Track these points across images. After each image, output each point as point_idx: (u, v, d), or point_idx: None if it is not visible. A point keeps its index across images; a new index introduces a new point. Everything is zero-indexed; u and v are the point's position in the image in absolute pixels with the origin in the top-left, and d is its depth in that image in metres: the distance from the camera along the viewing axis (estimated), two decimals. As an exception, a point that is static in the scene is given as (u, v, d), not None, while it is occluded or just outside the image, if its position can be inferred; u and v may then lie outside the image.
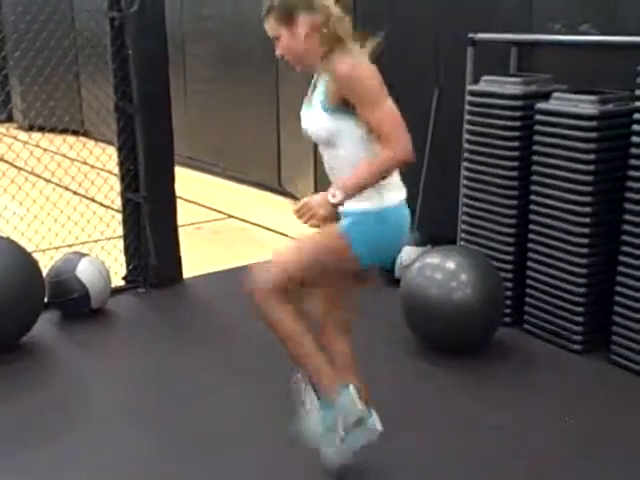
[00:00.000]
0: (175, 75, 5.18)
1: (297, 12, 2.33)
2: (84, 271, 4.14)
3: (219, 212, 6.49)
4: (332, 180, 2.50)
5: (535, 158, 3.74)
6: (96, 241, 4.90)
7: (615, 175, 3.52)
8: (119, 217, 4.70)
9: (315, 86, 2.45)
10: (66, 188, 5.43)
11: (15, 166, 5.26)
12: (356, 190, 2.33)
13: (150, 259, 4.59)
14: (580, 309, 3.67)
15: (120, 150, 4.52)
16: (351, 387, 2.52)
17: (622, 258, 3.48)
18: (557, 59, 4.18)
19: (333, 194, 2.31)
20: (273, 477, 2.86)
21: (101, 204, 5.34)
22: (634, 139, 3.35)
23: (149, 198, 4.51)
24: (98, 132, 5.72)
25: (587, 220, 3.57)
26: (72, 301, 4.12)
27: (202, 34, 7.75)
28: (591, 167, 3.51)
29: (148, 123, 4.43)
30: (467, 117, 4.10)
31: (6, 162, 5.43)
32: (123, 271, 4.68)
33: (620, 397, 3.37)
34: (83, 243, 4.84)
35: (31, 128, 6.09)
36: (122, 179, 4.58)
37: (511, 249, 3.96)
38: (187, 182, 6.29)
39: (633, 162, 3.37)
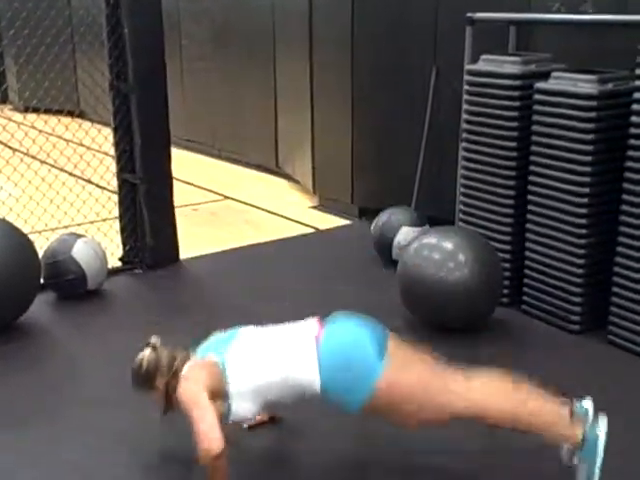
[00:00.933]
0: (171, 54, 5.14)
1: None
2: (80, 252, 4.12)
3: (216, 193, 6.47)
4: None
5: (534, 138, 3.72)
6: (92, 222, 4.88)
7: (614, 155, 3.50)
8: (115, 198, 4.68)
9: None
10: (62, 169, 5.40)
11: (10, 147, 5.22)
12: None
13: (147, 240, 4.57)
14: (578, 289, 3.66)
15: (116, 130, 4.49)
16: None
17: (620, 238, 3.47)
18: (556, 38, 4.15)
19: None
20: (272, 460, 2.86)
21: (97, 185, 5.32)
22: (633, 119, 3.33)
23: (145, 179, 4.49)
24: (94, 113, 5.67)
25: (585, 200, 3.55)
26: (68, 282, 4.10)
27: (199, 12, 7.68)
28: (590, 147, 3.49)
29: (144, 102, 4.40)
30: (465, 97, 4.07)
31: (1, 143, 5.39)
32: (119, 252, 4.66)
33: (618, 377, 3.37)
34: (79, 224, 4.82)
35: (26, 109, 6.04)
36: (118, 160, 4.55)
37: (509, 229, 3.95)
38: (184, 163, 6.26)
39: (632, 142, 3.35)
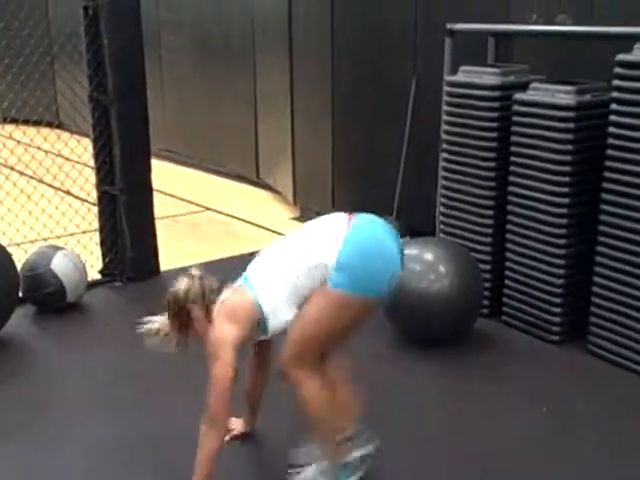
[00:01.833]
0: (151, 66, 5.12)
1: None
2: (59, 265, 4.08)
3: (197, 205, 6.45)
4: None
5: (513, 149, 3.74)
6: (72, 234, 4.84)
7: (592, 166, 3.52)
8: (95, 210, 4.65)
9: None
10: (40, 180, 5.36)
11: (-12, 158, 5.17)
12: None
13: (127, 252, 4.54)
14: (558, 300, 3.68)
15: (95, 142, 4.47)
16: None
17: (599, 248, 3.49)
18: (534, 49, 4.18)
19: None
20: (256, 468, 2.84)
21: (77, 197, 5.28)
22: (611, 129, 3.36)
23: (125, 190, 4.46)
24: (73, 124, 5.64)
25: (565, 211, 3.57)
26: (47, 295, 4.07)
27: (179, 24, 7.67)
28: (568, 157, 3.51)
29: (124, 114, 4.38)
30: (445, 108, 4.08)
31: (-21, 154, 5.35)
32: (99, 264, 4.62)
33: (597, 386, 3.38)
34: (58, 236, 4.78)
35: (5, 120, 5.99)
36: (98, 171, 4.52)
37: (489, 240, 3.96)
38: (164, 175, 6.24)
39: (610, 152, 3.38)
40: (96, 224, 4.63)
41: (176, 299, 2.57)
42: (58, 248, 4.23)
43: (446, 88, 4.08)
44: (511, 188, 3.79)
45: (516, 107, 3.69)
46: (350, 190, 5.55)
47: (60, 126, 6.59)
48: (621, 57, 3.29)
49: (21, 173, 5.32)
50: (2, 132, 5.49)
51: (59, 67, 8.65)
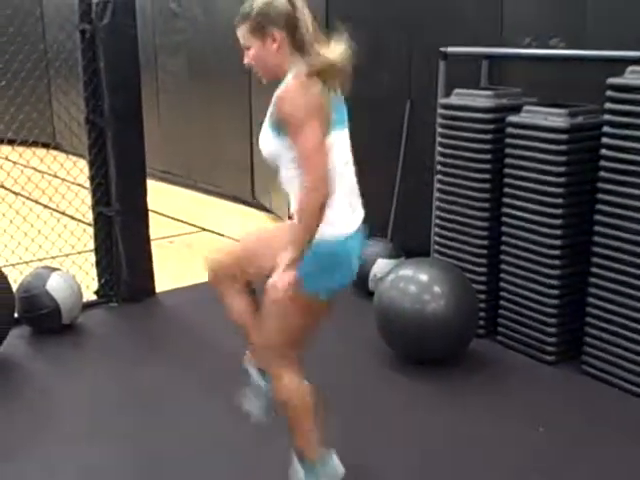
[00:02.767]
0: (147, 88, 5.15)
1: (272, 27, 2.29)
2: (55, 286, 4.09)
3: (192, 225, 6.46)
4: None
5: (507, 170, 3.77)
6: (67, 255, 4.85)
7: (585, 187, 3.55)
8: (90, 231, 4.66)
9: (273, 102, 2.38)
10: (36, 202, 5.38)
11: (-16, 180, 5.19)
12: (302, 244, 2.28)
13: (122, 273, 4.55)
14: (552, 320, 3.69)
15: (91, 164, 4.48)
16: (334, 457, 2.57)
17: (593, 269, 3.52)
18: (527, 72, 4.23)
19: (285, 262, 2.27)
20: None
21: (72, 218, 5.29)
22: (603, 151, 3.39)
23: (121, 212, 4.48)
24: (69, 145, 5.66)
25: (559, 232, 3.60)
26: (43, 316, 4.07)
27: (175, 47, 7.73)
28: (562, 179, 3.54)
29: (120, 136, 4.40)
30: (439, 130, 4.12)
31: (-25, 176, 5.37)
32: (95, 285, 4.63)
33: (592, 407, 3.39)
34: (54, 257, 4.78)
35: (1, 141, 6.02)
36: (93, 193, 4.53)
37: (484, 261, 3.98)
38: (160, 195, 6.25)
39: (603, 174, 3.41)
40: (91, 245, 4.64)
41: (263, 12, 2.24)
42: (53, 269, 4.24)
43: (440, 110, 4.12)
44: (505, 209, 3.81)
45: (509, 129, 3.72)
46: (345, 211, 5.55)
47: (56, 147, 6.61)
48: (613, 80, 3.33)
49: (17, 194, 5.34)
50: (-2, 153, 5.52)
51: (56, 89, 8.69)
